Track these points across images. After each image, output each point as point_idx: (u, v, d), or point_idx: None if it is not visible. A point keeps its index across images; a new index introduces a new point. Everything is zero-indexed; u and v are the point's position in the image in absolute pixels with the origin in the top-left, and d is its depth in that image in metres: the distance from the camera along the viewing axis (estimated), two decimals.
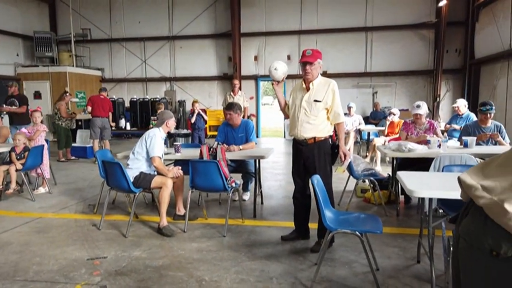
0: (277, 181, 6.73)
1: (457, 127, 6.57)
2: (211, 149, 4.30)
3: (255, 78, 14.68)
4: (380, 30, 13.64)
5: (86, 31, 15.57)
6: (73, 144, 9.49)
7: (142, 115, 14.47)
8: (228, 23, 14.21)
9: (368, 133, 9.19)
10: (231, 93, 8.70)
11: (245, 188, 5.45)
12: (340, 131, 3.64)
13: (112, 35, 15.70)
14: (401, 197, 5.06)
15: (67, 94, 9.44)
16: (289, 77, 3.82)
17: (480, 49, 12.22)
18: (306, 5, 14.02)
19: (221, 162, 4.10)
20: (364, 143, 9.60)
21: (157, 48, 15.37)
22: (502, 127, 5.15)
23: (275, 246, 3.74)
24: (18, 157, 5.62)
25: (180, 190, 4.53)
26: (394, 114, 8.13)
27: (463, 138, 4.89)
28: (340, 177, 5.52)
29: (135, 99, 14.63)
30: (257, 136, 7.70)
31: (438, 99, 13.33)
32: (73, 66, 14.51)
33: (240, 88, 9.11)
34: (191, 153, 4.76)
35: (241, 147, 4.94)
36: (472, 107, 9.65)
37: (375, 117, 12.07)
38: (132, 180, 4.12)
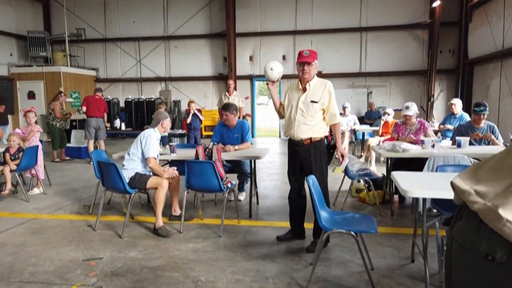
0: (272, 181, 6.75)
1: (450, 127, 6.62)
2: (207, 150, 4.31)
3: (250, 78, 14.70)
4: (375, 30, 13.71)
5: (81, 31, 15.49)
6: (68, 145, 9.46)
7: (137, 115, 14.44)
8: (223, 23, 14.21)
9: (363, 133, 9.24)
10: (226, 93, 8.70)
11: (241, 188, 5.46)
12: (337, 131, 3.66)
13: (106, 35, 15.63)
14: (395, 197, 5.11)
15: (62, 94, 9.40)
16: (284, 77, 3.84)
17: (474, 49, 12.32)
18: (301, 5, 14.06)
19: (217, 163, 4.11)
20: (359, 143, 9.65)
21: (152, 48, 15.33)
22: (495, 127, 5.20)
23: (271, 246, 3.76)
24: (12, 158, 5.60)
25: (176, 191, 4.54)
26: (388, 114, 8.18)
27: (457, 138, 4.94)
28: (335, 177, 5.56)
29: (130, 99, 14.59)
30: (252, 136, 7.68)
31: (432, 99, 13.42)
32: (67, 66, 14.44)
33: (235, 88, 9.12)
34: (187, 154, 4.76)
35: (236, 147, 4.95)
36: (466, 107, 9.74)
37: (370, 117, 12.13)
38: (127, 180, 4.12)
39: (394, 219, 4.61)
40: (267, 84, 3.84)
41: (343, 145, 8.46)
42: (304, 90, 3.59)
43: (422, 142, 4.76)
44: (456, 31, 13.22)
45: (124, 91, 15.77)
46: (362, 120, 11.56)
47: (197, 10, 14.76)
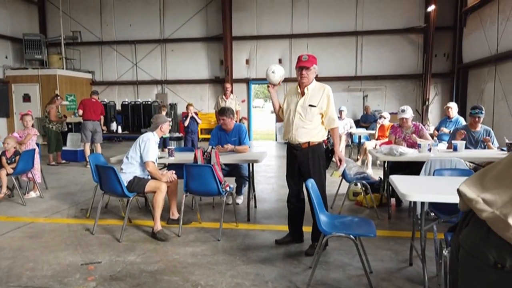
0: (269, 185, 6.76)
1: (446, 130, 6.68)
2: (205, 153, 4.32)
3: (247, 81, 14.71)
4: (370, 34, 13.80)
5: (77, 33, 15.46)
6: (64, 148, 9.42)
7: (134, 119, 14.41)
8: (220, 27, 14.24)
9: (359, 137, 9.29)
10: (223, 97, 8.72)
11: (239, 192, 5.47)
12: (335, 136, 3.68)
13: (103, 38, 15.61)
14: (392, 200, 5.14)
15: (58, 97, 9.36)
16: (283, 80, 3.86)
17: (468, 53, 12.43)
18: (297, 9, 14.13)
19: (216, 166, 4.12)
20: (355, 146, 9.69)
21: (149, 51, 15.32)
22: (492, 131, 5.27)
23: (270, 249, 3.77)
24: (8, 162, 5.57)
25: (174, 194, 4.54)
26: (384, 118, 8.23)
27: (453, 142, 4.99)
28: (332, 181, 5.58)
29: (126, 102, 14.55)
30: (249, 139, 7.67)
31: (427, 102, 13.52)
32: (63, 69, 14.40)
33: (232, 92, 9.14)
34: (185, 157, 4.76)
35: (235, 147, 4.98)
36: (461, 111, 9.83)
37: (366, 120, 12.20)
38: (126, 184, 4.11)
39: (391, 222, 4.63)
40: (268, 87, 3.85)
41: (340, 148, 8.49)
42: (303, 94, 3.62)
43: (419, 145, 4.81)
44: (451, 36, 13.35)
45: (120, 94, 15.73)
46: (358, 124, 11.63)
47: (193, 13, 14.79)
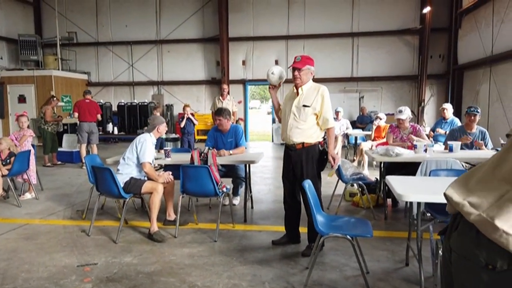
0: (266, 185, 6.76)
1: (442, 131, 6.72)
2: (202, 154, 4.31)
3: (243, 82, 14.72)
4: (366, 35, 13.85)
5: (72, 34, 15.39)
6: (59, 149, 9.37)
7: (130, 120, 14.36)
8: (216, 28, 14.24)
9: (356, 137, 9.31)
10: (220, 97, 8.72)
11: (235, 193, 5.47)
12: (330, 136, 3.69)
13: (98, 39, 15.55)
14: (388, 200, 5.16)
15: (54, 98, 9.33)
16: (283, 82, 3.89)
17: (463, 55, 12.51)
18: (294, 10, 14.16)
19: (212, 167, 4.12)
20: (352, 147, 9.72)
21: (145, 52, 15.29)
22: (487, 133, 5.30)
23: (267, 250, 3.77)
24: (3, 163, 5.54)
25: (171, 195, 4.53)
26: (380, 119, 8.26)
27: (448, 143, 5.02)
28: (329, 181, 5.59)
29: (122, 103, 14.51)
30: (245, 140, 7.62)
31: (422, 103, 13.58)
32: (58, 69, 14.31)
33: (228, 93, 9.14)
34: (181, 158, 4.75)
35: (231, 152, 4.96)
36: (456, 112, 9.87)
37: (362, 121, 12.24)
38: (122, 185, 4.10)
39: (387, 223, 4.65)
40: (269, 88, 3.89)
41: (336, 149, 8.52)
42: (298, 94, 3.63)
43: (415, 146, 4.83)
44: (446, 37, 13.42)
45: (116, 95, 15.69)
46: (354, 125, 11.66)
47: (189, 14, 14.78)
